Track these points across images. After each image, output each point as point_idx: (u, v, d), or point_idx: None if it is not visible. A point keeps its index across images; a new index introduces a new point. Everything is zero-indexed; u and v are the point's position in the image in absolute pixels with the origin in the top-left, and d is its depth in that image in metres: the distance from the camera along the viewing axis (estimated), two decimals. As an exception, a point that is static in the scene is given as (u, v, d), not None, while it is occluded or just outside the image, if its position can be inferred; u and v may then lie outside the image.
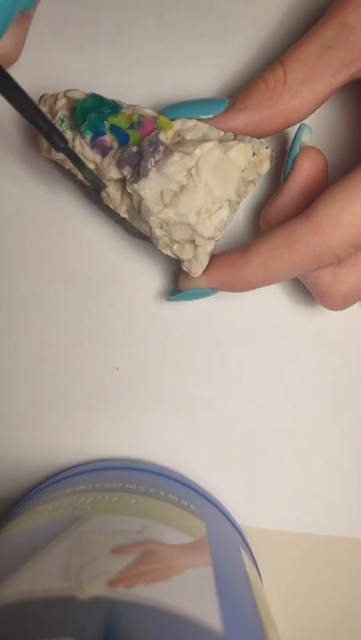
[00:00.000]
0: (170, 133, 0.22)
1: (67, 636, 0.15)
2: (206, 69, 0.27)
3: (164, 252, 0.23)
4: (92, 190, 0.24)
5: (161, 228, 0.22)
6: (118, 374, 0.28)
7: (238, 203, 0.23)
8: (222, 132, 0.23)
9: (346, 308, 0.24)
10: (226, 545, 0.21)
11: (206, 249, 0.23)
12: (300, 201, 0.24)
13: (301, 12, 0.27)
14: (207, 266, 0.24)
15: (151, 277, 0.28)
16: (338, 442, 0.28)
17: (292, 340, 0.28)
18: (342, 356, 0.28)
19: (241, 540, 0.25)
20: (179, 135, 0.22)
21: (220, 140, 0.22)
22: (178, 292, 0.26)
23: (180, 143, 0.22)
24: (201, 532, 0.21)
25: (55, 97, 0.23)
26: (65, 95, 0.23)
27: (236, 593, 0.18)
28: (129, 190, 0.22)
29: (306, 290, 0.27)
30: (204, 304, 0.28)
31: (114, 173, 0.22)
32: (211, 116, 0.23)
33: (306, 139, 0.24)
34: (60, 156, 0.23)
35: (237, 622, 0.17)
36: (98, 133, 0.22)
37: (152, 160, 0.21)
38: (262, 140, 0.24)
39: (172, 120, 0.23)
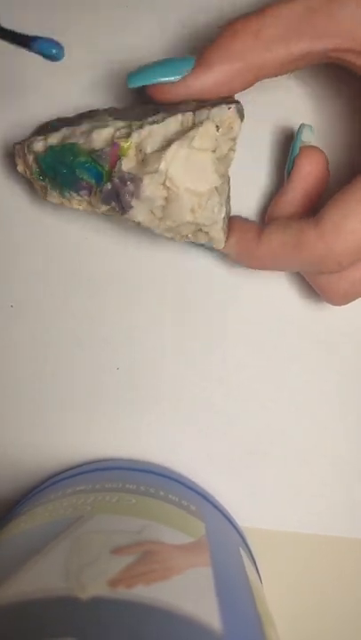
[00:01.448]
0: (131, 153, 0.22)
1: (67, 636, 0.15)
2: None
3: (183, 241, 0.24)
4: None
5: (168, 232, 0.23)
6: (118, 374, 0.28)
7: (225, 176, 0.23)
8: (179, 116, 0.22)
9: (347, 302, 0.24)
10: (225, 545, 0.21)
11: (217, 227, 0.23)
12: (302, 200, 0.24)
13: None
14: (228, 233, 0.24)
15: (151, 277, 0.28)
16: (340, 442, 0.28)
17: (295, 340, 0.28)
18: (345, 356, 0.28)
19: (240, 540, 0.25)
20: (140, 150, 0.22)
21: (181, 131, 0.22)
22: None
23: (144, 162, 0.22)
24: (200, 533, 0.21)
25: (23, 149, 0.23)
26: (29, 149, 0.23)
27: (236, 593, 0.18)
28: (124, 218, 0.23)
29: (308, 289, 0.27)
30: (204, 305, 0.27)
31: (104, 209, 0.23)
32: (179, 77, 0.21)
33: (307, 138, 0.24)
34: (54, 199, 0.24)
35: (237, 622, 0.17)
36: (74, 183, 0.22)
37: (127, 193, 0.22)
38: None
39: (127, 140, 0.22)
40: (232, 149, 0.23)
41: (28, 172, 0.24)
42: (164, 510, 0.21)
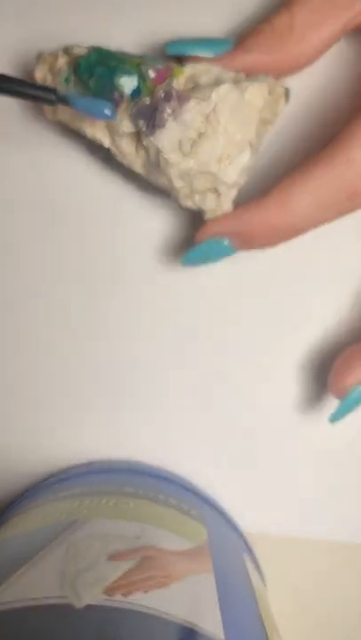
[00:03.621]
0: (182, 79, 0.22)
1: (62, 646, 0.14)
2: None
3: (184, 204, 0.23)
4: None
5: (181, 179, 0.22)
6: (117, 375, 0.28)
7: (258, 145, 0.23)
8: (233, 73, 0.22)
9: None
10: (228, 551, 0.21)
11: (229, 196, 0.22)
12: None
13: None
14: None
15: (151, 276, 0.27)
16: (346, 447, 0.28)
17: (294, 343, 0.27)
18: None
19: (244, 545, 0.25)
20: (192, 81, 0.22)
21: (235, 82, 0.22)
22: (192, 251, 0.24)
23: (194, 89, 0.21)
24: (202, 538, 0.21)
25: (55, 56, 0.23)
26: (65, 52, 0.22)
27: (239, 601, 0.18)
28: (145, 144, 0.22)
29: (309, 294, 0.27)
30: (204, 305, 0.27)
31: (127, 127, 0.22)
32: (214, 55, 0.22)
33: None
34: (65, 115, 0.23)
35: (240, 631, 0.17)
36: (107, 86, 0.21)
37: (168, 109, 0.21)
38: None
39: (182, 65, 0.22)
40: (271, 123, 0.22)
41: (49, 78, 0.23)
42: (163, 514, 0.21)
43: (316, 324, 0.27)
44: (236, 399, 0.28)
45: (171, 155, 0.21)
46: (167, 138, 0.21)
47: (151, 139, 0.21)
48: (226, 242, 0.23)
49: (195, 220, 0.26)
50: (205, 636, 0.16)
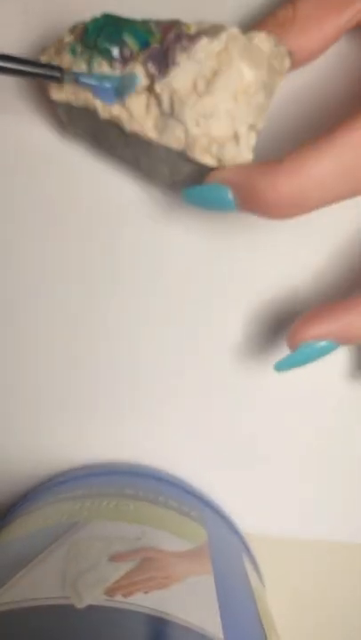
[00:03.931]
0: (191, 28, 0.21)
1: (63, 647, 0.14)
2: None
3: (202, 160, 0.22)
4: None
5: (198, 125, 0.21)
6: (118, 377, 0.28)
7: (271, 94, 0.22)
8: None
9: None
10: (227, 552, 0.21)
11: (249, 141, 0.22)
12: None
13: None
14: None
15: (151, 276, 0.27)
16: (343, 448, 0.28)
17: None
18: (344, 362, 0.27)
19: (243, 546, 0.25)
20: (200, 31, 0.22)
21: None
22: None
23: (204, 31, 0.21)
24: (202, 539, 0.21)
25: (61, 39, 0.22)
26: (71, 32, 0.22)
27: (238, 601, 0.18)
28: (158, 91, 0.21)
29: (311, 295, 0.27)
30: (203, 308, 0.27)
31: (140, 76, 0.21)
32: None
33: None
34: (70, 93, 0.22)
35: (239, 631, 0.17)
36: (115, 42, 0.21)
37: (179, 48, 0.21)
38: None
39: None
40: (280, 75, 0.22)
41: (54, 55, 0.22)
42: (163, 516, 0.21)
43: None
44: (236, 401, 0.28)
45: (186, 95, 0.21)
46: (182, 76, 0.21)
47: (165, 80, 0.21)
48: (229, 193, 0.22)
49: (196, 220, 0.26)
50: (205, 637, 0.16)
